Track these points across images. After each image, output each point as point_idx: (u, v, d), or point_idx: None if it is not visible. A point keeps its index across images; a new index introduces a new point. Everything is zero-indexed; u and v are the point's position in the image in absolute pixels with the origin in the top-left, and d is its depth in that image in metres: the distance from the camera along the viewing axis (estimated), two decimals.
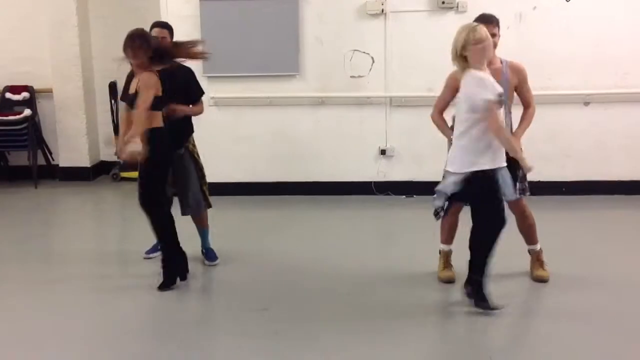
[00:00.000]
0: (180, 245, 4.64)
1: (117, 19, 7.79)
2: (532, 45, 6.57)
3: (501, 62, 4.50)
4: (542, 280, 4.59)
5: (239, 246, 5.50)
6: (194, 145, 4.99)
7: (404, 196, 7.01)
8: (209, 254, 5.07)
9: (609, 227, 5.97)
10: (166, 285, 4.55)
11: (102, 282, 4.80)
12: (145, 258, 5.07)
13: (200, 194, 4.98)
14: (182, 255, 4.66)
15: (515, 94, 4.56)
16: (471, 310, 4.19)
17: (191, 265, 4.83)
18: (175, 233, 4.60)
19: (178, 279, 4.63)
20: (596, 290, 4.51)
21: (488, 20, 4.39)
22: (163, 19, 6.52)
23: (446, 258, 4.70)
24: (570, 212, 6.39)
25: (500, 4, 6.50)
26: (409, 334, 3.92)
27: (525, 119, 4.55)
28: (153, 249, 5.08)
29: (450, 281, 4.60)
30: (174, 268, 4.61)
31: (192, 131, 5.01)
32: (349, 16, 6.85)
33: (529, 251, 4.70)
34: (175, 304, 4.47)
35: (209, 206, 5.07)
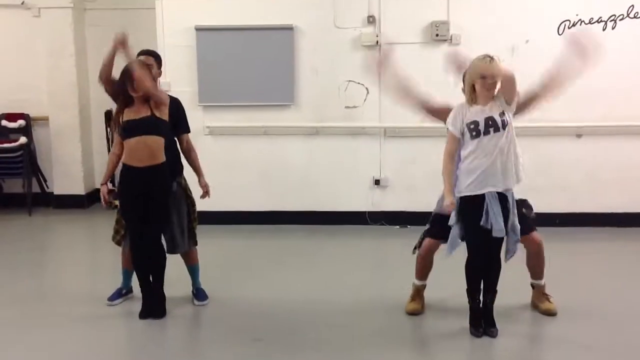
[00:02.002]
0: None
1: None
2: (524, 77, 6.61)
3: None
4: (550, 313, 4.59)
5: (232, 276, 5.49)
6: (186, 182, 4.91)
7: (398, 226, 7.02)
8: (199, 294, 4.95)
9: (602, 259, 5.99)
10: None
11: (94, 312, 4.76)
12: (108, 305, 4.88)
13: (188, 231, 4.84)
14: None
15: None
16: (468, 340, 4.21)
17: (181, 300, 4.86)
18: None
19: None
20: (588, 321, 4.52)
21: None
22: (160, 49, 6.60)
23: (418, 292, 4.74)
24: (563, 243, 6.38)
25: (493, 36, 6.62)
26: None
27: None
28: (116, 295, 4.95)
29: (415, 313, 4.65)
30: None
31: (182, 167, 4.90)
32: (344, 47, 6.92)
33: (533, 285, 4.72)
34: (167, 336, 4.46)
35: (195, 244, 4.95)
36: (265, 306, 4.87)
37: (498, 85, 4.13)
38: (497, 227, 4.09)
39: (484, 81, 4.08)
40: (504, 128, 4.12)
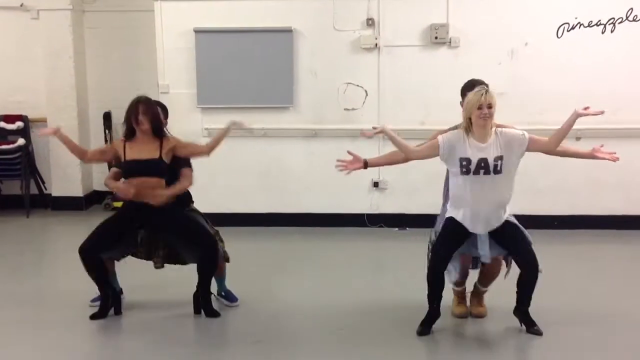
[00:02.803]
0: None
1: (113, 52, 7.86)
2: (524, 80, 6.66)
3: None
4: (481, 316, 4.58)
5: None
6: (196, 209, 4.92)
7: (397, 229, 7.02)
8: (228, 296, 4.95)
9: (601, 262, 5.99)
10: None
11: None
12: (91, 305, 4.85)
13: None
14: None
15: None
16: (470, 341, 4.25)
17: (183, 303, 4.78)
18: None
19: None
20: (587, 323, 4.51)
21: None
22: (158, 51, 6.63)
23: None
24: (562, 246, 6.40)
25: (492, 39, 6.64)
26: None
27: None
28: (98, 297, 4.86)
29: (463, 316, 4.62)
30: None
31: (190, 198, 4.92)
32: (343, 50, 6.92)
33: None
34: (167, 337, 4.43)
35: (227, 260, 4.94)
36: (264, 308, 4.86)
37: (494, 117, 4.14)
38: (482, 253, 4.20)
39: (480, 112, 4.09)
40: (495, 172, 4.13)
